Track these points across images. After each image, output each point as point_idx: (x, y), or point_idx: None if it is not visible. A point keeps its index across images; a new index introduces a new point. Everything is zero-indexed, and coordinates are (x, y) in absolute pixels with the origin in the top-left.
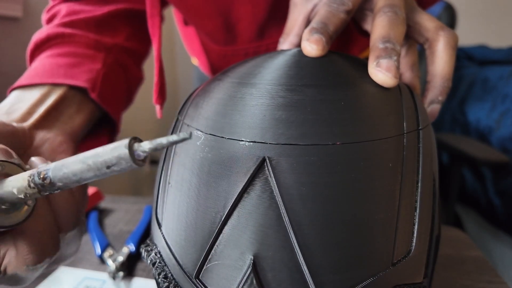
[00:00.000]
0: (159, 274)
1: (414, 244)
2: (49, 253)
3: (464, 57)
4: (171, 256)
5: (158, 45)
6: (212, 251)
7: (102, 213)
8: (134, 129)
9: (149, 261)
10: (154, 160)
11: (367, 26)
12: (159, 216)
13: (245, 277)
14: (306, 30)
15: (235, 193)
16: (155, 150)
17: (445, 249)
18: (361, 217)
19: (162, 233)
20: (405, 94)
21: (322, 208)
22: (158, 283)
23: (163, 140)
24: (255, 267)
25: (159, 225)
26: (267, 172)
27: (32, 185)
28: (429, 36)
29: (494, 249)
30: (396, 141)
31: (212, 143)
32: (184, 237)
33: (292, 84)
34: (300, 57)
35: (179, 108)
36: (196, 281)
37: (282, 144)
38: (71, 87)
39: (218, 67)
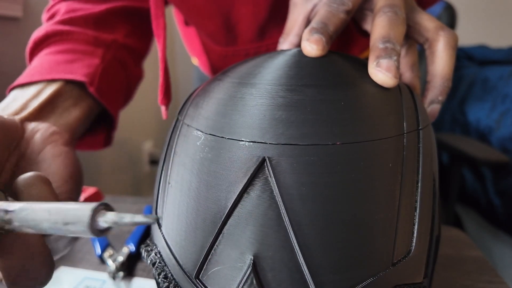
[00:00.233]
0: (159, 274)
1: (414, 244)
2: (39, 280)
3: (464, 57)
4: (171, 256)
5: (163, 46)
6: (212, 251)
7: None
8: (135, 129)
9: (149, 261)
10: (154, 160)
11: (367, 26)
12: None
13: (245, 277)
14: (306, 30)
15: (235, 193)
16: (117, 225)
17: (445, 249)
18: (361, 217)
19: (162, 233)
20: (405, 94)
21: (322, 208)
22: (158, 283)
23: (127, 218)
24: (255, 267)
25: (159, 225)
26: (267, 172)
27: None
28: (429, 36)
29: (494, 249)
30: (396, 141)
31: (212, 143)
32: (184, 237)
33: (292, 84)
34: (300, 57)
35: (179, 108)
36: (196, 281)
37: (282, 144)
38: (68, 82)
39: (218, 67)
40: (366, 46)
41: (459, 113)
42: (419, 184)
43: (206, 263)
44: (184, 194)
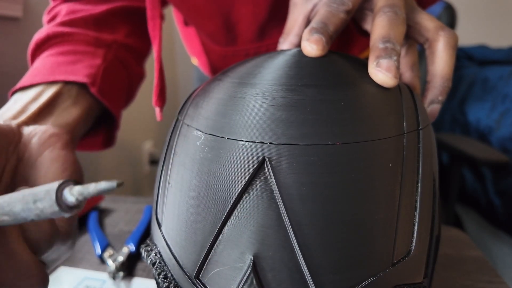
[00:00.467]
0: (159, 274)
1: (414, 244)
2: None
3: (464, 57)
4: (171, 256)
5: (158, 47)
6: (212, 251)
7: (102, 213)
8: (135, 129)
9: (149, 261)
10: (154, 160)
11: (367, 26)
12: (159, 216)
13: (245, 277)
14: (306, 30)
15: (235, 193)
16: (83, 196)
17: (445, 249)
18: (361, 217)
19: (162, 233)
20: (405, 94)
21: (322, 208)
22: (158, 283)
23: (91, 188)
24: (255, 267)
25: (159, 225)
26: (267, 172)
27: None
28: (429, 36)
29: (494, 249)
30: (396, 141)
31: (212, 143)
32: (184, 237)
33: (292, 84)
34: (300, 57)
35: (179, 108)
36: (196, 281)
37: (282, 144)
38: (67, 83)
39: (218, 67)
40: (366, 46)
41: (459, 113)
42: (419, 184)
43: (206, 263)
44: (184, 194)
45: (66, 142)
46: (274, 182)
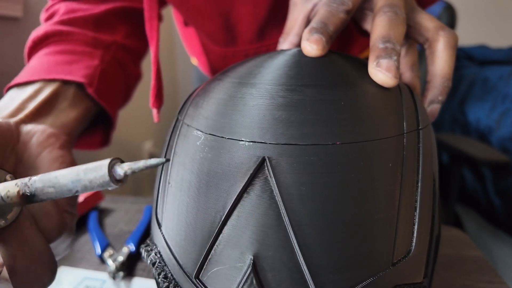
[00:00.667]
0: (159, 274)
1: (414, 244)
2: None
3: (464, 57)
4: (171, 256)
5: (155, 48)
6: (212, 251)
7: (102, 213)
8: (134, 129)
9: (149, 261)
10: None
11: (367, 26)
12: (159, 216)
13: (245, 277)
14: (306, 30)
15: (235, 193)
16: (132, 170)
17: (445, 249)
18: (361, 217)
19: (162, 233)
20: (405, 94)
21: (322, 208)
22: (158, 283)
23: (141, 163)
24: (255, 267)
25: (159, 225)
26: (267, 172)
27: (21, 193)
28: (429, 36)
29: (494, 249)
30: (396, 141)
31: (212, 143)
32: (184, 237)
33: (292, 84)
34: (300, 57)
35: (179, 108)
36: (196, 281)
37: (282, 144)
38: (65, 83)
39: (218, 67)
40: (366, 46)
41: (459, 113)
42: (419, 184)
43: (206, 263)
44: (184, 194)
45: (64, 142)
46: (274, 182)
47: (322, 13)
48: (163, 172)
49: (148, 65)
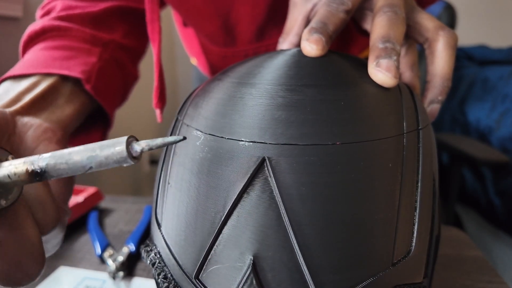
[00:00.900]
0: (158, 274)
1: (414, 244)
2: (30, 273)
3: (464, 57)
4: (171, 256)
5: (158, 49)
6: (212, 251)
7: (102, 213)
8: (133, 130)
9: (148, 261)
10: (154, 160)
11: (367, 26)
12: (158, 216)
13: (244, 277)
14: (306, 30)
15: (235, 193)
16: (149, 147)
17: (445, 249)
18: (361, 217)
19: (161, 233)
20: (405, 94)
21: (322, 208)
22: (157, 284)
23: (159, 141)
24: (255, 267)
25: (159, 225)
26: (266, 172)
27: (30, 170)
28: (429, 35)
29: (494, 249)
30: (396, 141)
31: (211, 143)
32: (184, 237)
33: (292, 84)
34: (299, 57)
35: (178, 108)
36: (196, 281)
37: (282, 144)
38: (63, 78)
39: (218, 68)
40: (366, 46)
41: (459, 113)
42: (419, 184)
43: (205, 263)
44: (184, 194)
45: (60, 137)
46: (274, 182)
47: (322, 13)
48: (162, 172)
49: (148, 66)
